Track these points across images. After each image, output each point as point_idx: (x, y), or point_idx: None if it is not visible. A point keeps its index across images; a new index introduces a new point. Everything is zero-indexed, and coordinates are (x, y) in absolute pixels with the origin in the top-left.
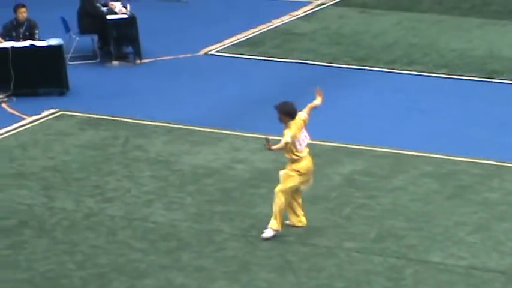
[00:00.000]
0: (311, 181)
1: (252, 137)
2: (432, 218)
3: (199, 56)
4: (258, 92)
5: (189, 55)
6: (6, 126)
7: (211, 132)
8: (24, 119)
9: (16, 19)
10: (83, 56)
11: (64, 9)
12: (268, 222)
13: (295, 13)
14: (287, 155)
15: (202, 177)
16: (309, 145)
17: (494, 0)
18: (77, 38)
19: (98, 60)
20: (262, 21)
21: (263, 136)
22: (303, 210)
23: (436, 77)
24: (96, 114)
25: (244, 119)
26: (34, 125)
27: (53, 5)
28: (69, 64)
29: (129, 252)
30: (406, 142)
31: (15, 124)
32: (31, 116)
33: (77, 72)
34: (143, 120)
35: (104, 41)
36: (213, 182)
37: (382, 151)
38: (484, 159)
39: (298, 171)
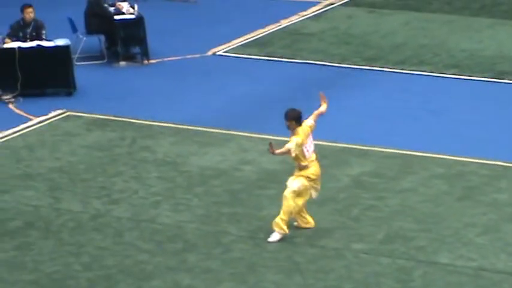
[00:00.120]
0: (319, 187)
1: (260, 138)
2: (441, 219)
3: (207, 56)
4: (266, 93)
5: (196, 55)
6: (13, 127)
7: (219, 133)
8: (31, 119)
9: (23, 19)
10: (90, 56)
11: (71, 9)
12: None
13: (304, 13)
14: (295, 163)
15: (210, 179)
16: (316, 146)
17: (504, 0)
18: (84, 38)
19: (105, 60)
20: (271, 21)
21: (271, 137)
22: (307, 212)
23: (446, 77)
24: (103, 115)
25: (252, 120)
26: (41, 126)
27: (60, 5)
28: (76, 65)
29: (136, 254)
30: (415, 143)
31: (22, 125)
32: (38, 116)
33: (84, 73)
34: (150, 121)
35: (111, 42)
36: (221, 183)
37: (390, 152)
38: (492, 160)
39: (308, 177)
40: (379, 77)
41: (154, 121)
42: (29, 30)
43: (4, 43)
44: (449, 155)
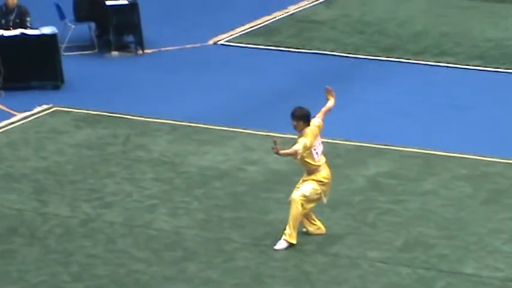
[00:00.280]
0: (328, 191)
1: (265, 135)
2: (465, 225)
3: (208, 46)
4: (272, 86)
5: (196, 45)
6: None
7: (221, 130)
8: (14, 115)
9: (5, 5)
10: (79, 46)
11: None
12: (283, 230)
13: None
14: (304, 167)
15: (211, 180)
16: (328, 144)
17: None
18: (73, 26)
19: (96, 50)
20: (278, 8)
21: (278, 135)
22: (317, 217)
23: (469, 69)
24: (94, 111)
25: (257, 115)
26: (25, 122)
27: None
28: (64, 55)
29: (129, 263)
30: (436, 141)
31: (4, 121)
32: (22, 112)
33: (72, 64)
34: (145, 117)
35: (102, 29)
36: (223, 185)
37: (410, 151)
38: None
39: (320, 181)
40: (396, 69)
41: (149, 117)
42: (12, 18)
43: None
44: (473, 155)
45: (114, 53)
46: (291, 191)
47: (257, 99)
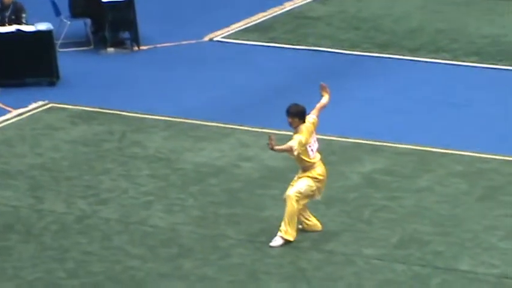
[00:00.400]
0: (323, 188)
1: (261, 132)
2: (461, 221)
3: (204, 42)
4: (268, 82)
5: (192, 41)
6: None
7: (217, 126)
8: (9, 112)
9: (1, 2)
10: (74, 42)
11: None
12: (278, 227)
13: None
14: (299, 164)
15: (206, 177)
16: (324, 141)
17: None
18: (69, 22)
19: (92, 46)
20: (273, 4)
21: (274, 132)
22: (312, 214)
23: (465, 66)
24: (90, 107)
25: (252, 112)
26: (21, 119)
27: None
28: (59, 51)
29: (125, 260)
30: (431, 138)
31: None
32: (17, 108)
33: (68, 60)
34: (141, 114)
35: (98, 26)
36: (218, 182)
37: (405, 148)
38: None
39: (315, 178)
40: (392, 65)
41: (145, 114)
42: (7, 14)
43: None
44: (469, 152)
45: (110, 50)
46: (286, 188)
47: (253, 96)
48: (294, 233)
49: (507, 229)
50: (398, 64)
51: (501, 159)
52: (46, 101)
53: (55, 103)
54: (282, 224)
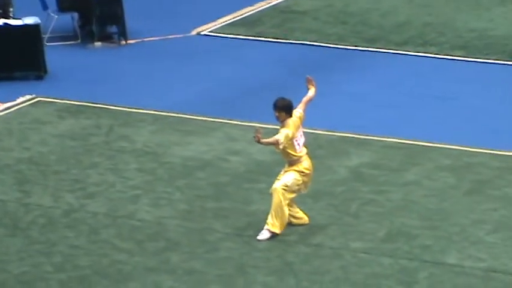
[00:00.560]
0: (309, 182)
1: (249, 126)
2: (448, 215)
3: (191, 36)
4: (255, 76)
5: (179, 36)
6: None
7: (204, 120)
8: None
9: None
10: (62, 36)
11: None
12: (265, 220)
13: None
14: (285, 158)
15: (194, 171)
16: (311, 135)
17: None
18: (56, 17)
19: (79, 41)
20: None
21: (261, 125)
22: (299, 207)
23: (453, 59)
24: (77, 101)
25: (240, 106)
26: (8, 113)
27: None
28: (47, 45)
29: (112, 253)
30: (418, 132)
31: None
32: (5, 102)
33: (55, 54)
34: (129, 108)
35: (85, 20)
36: (206, 175)
37: (392, 142)
38: (504, 151)
39: (302, 172)
40: (379, 59)
41: (132, 108)
42: None
43: None
44: (456, 145)
45: (97, 44)
46: (273, 182)
47: (240, 90)
48: (281, 226)
49: (494, 223)
50: (386, 58)
51: (489, 153)
52: (33, 95)
53: (42, 97)
54: (269, 217)
